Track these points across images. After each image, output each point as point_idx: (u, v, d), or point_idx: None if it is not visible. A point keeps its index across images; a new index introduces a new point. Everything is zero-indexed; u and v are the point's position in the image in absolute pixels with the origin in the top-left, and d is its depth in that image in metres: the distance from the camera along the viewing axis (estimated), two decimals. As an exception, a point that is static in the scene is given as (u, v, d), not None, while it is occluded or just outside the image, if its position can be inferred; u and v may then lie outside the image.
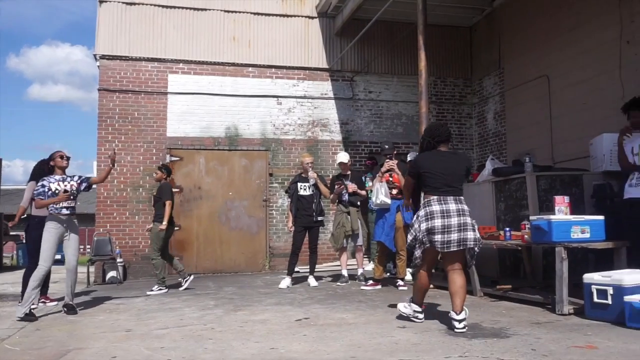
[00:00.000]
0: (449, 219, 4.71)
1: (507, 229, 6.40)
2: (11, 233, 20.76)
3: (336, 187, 8.31)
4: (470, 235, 4.74)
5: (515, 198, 7.34)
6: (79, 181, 6.47)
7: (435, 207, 4.75)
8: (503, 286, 6.41)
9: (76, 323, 5.62)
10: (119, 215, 10.40)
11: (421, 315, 5.06)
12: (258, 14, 11.44)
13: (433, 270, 8.05)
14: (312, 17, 11.72)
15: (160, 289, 8.05)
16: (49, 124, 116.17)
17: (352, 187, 8.24)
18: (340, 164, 8.44)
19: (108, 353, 4.16)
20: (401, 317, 5.14)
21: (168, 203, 8.22)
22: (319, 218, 8.32)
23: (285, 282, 8.14)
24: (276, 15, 11.54)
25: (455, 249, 4.75)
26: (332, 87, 11.75)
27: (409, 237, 4.99)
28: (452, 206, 4.75)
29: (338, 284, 8.27)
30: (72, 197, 6.33)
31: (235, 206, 11.00)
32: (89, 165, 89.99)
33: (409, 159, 9.09)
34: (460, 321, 4.57)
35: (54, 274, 7.88)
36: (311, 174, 8.22)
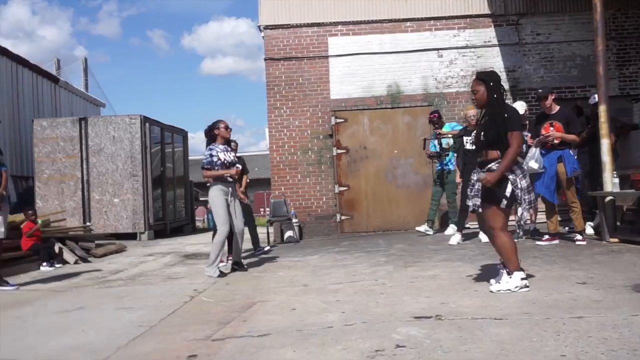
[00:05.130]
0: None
1: None
2: (201, 199, 23.03)
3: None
4: None
5: None
6: (235, 154, 6.97)
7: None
8: None
9: (259, 278, 6.14)
10: (291, 178, 11.00)
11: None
12: (413, -35, 11.13)
13: (618, 223, 7.51)
14: (471, -39, 11.13)
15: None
16: (221, 95, 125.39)
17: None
18: None
19: (288, 305, 4.50)
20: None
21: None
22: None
23: (455, 238, 8.05)
24: (432, -36, 11.14)
25: None
26: (496, 34, 11.10)
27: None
28: None
29: (511, 239, 7.97)
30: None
31: (400, 164, 11.04)
32: (261, 133, 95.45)
33: (590, 102, 8.35)
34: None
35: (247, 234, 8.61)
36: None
